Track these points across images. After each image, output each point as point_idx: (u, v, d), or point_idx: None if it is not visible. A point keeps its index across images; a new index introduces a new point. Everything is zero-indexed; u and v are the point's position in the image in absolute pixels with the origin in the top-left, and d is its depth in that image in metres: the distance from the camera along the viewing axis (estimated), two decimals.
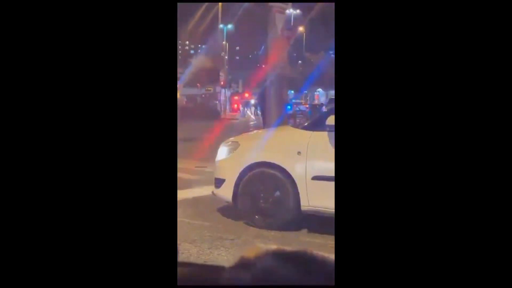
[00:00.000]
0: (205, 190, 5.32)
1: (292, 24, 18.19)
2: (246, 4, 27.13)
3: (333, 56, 32.92)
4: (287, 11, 9.72)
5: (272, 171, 4.27)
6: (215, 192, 4.66)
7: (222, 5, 29.90)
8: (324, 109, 22.77)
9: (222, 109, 29.50)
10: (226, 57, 34.04)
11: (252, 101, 26.39)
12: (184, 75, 26.83)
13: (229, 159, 4.54)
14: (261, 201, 4.32)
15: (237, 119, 24.90)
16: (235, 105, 33.10)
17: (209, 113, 23.75)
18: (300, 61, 39.27)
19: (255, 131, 6.13)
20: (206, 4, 37.10)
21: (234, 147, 4.61)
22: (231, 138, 4.89)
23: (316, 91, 39.95)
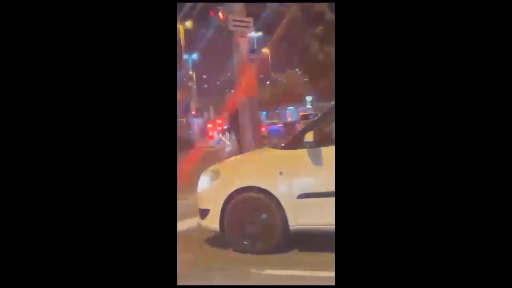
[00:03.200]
0: (186, 223, 5.14)
1: (256, 46, 18.34)
2: (208, 33, 27.33)
3: (299, 72, 33.36)
4: (249, 35, 9.84)
5: (256, 195, 4.23)
6: (201, 223, 4.58)
7: (184, 36, 29.96)
8: (297, 126, 22.94)
9: (197, 138, 29.41)
10: (195, 86, 34.09)
11: (226, 127, 26.37)
12: None
13: (211, 188, 4.48)
14: (249, 226, 4.26)
15: (211, 146, 24.80)
16: (210, 133, 33.01)
17: (183, 144, 23.65)
18: (268, 82, 39.61)
19: (234, 157, 6.07)
20: None
21: (215, 175, 4.55)
22: (211, 167, 4.82)
23: (287, 109, 40.26)
